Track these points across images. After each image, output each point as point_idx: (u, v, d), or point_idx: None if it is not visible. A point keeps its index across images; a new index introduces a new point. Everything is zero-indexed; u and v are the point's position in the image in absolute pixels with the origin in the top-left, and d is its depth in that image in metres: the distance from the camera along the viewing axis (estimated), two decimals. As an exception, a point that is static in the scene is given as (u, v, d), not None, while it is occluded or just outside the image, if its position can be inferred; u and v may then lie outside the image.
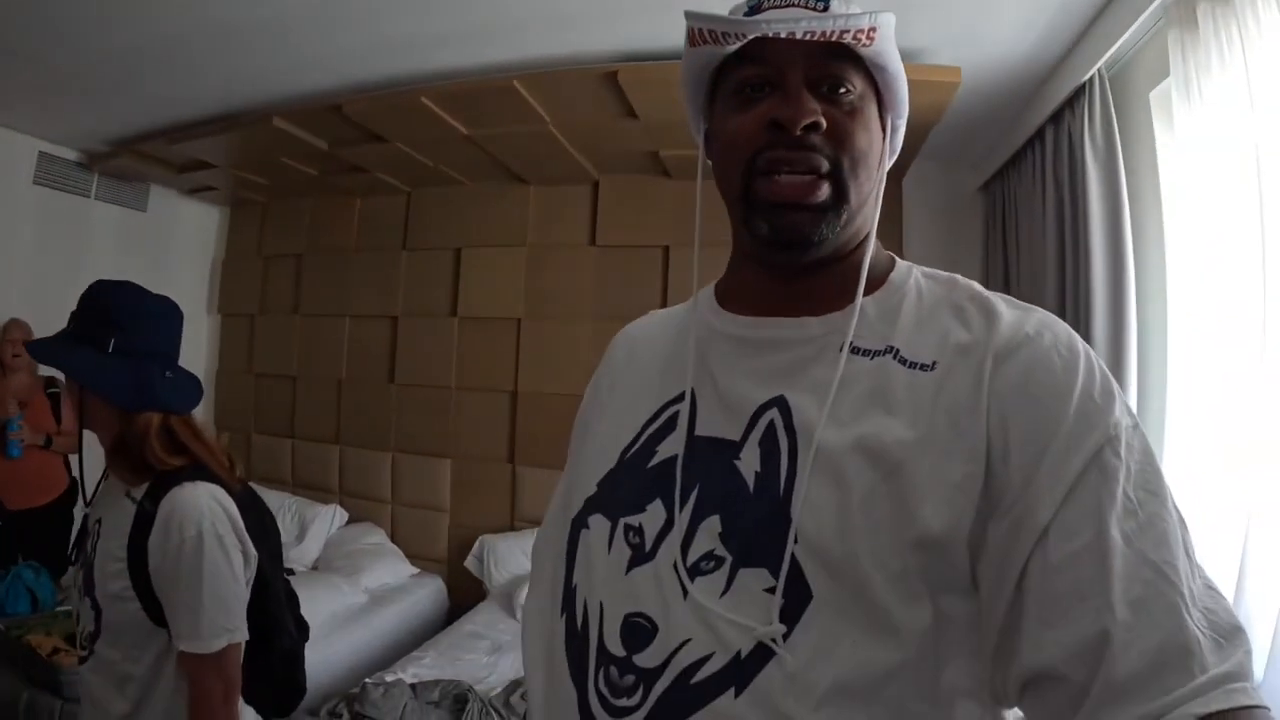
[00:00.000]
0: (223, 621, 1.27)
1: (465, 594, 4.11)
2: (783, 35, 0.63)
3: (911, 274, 0.73)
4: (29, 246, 4.25)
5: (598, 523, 0.73)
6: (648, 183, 3.99)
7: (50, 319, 4.02)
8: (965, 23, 2.43)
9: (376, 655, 3.46)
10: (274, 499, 4.57)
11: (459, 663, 3.06)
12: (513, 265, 4.32)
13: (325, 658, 3.06)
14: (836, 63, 0.67)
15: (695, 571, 0.64)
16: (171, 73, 3.19)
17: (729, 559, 0.63)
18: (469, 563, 4.06)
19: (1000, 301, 0.67)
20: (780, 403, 0.67)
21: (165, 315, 1.42)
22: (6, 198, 4.13)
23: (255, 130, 3.61)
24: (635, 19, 2.55)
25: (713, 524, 0.65)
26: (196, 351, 5.24)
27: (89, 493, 1.43)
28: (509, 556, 3.94)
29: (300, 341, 4.98)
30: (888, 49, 0.68)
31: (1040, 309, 0.66)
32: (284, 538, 4.24)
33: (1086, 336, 2.29)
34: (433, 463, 4.44)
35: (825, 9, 0.66)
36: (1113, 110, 2.37)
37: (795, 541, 0.61)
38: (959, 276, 0.72)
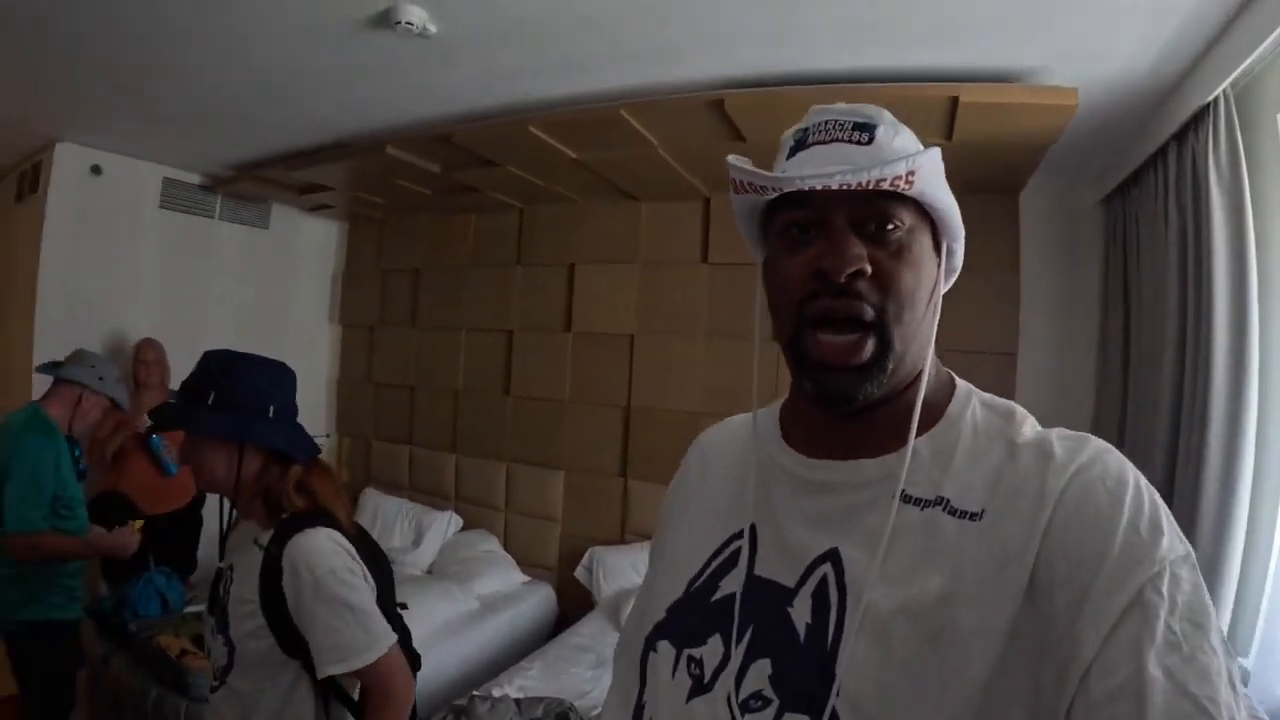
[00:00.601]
0: (374, 630, 1.41)
1: (574, 602, 4.17)
2: (818, 188, 0.64)
3: (970, 404, 0.73)
4: (158, 268, 4.52)
5: (665, 649, 0.79)
6: (760, 200, 3.89)
7: (180, 337, 4.29)
8: (1083, 41, 2.26)
9: (487, 660, 3.56)
10: (392, 504, 4.80)
11: (563, 676, 3.10)
12: (625, 281, 4.30)
13: (437, 665, 3.17)
14: (881, 201, 0.67)
15: (745, 708, 0.68)
16: (286, 108, 3.32)
17: (776, 702, 0.67)
18: (578, 573, 4.10)
19: (1055, 439, 0.66)
20: (834, 556, 0.69)
21: (292, 379, 1.58)
22: (135, 223, 4.41)
23: (370, 157, 3.71)
24: (739, 48, 2.50)
25: (763, 666, 0.69)
26: (319, 360, 5.51)
27: (222, 548, 1.57)
28: (618, 570, 3.97)
29: (418, 353, 5.13)
30: (931, 188, 0.67)
31: (1096, 439, 0.65)
32: (401, 542, 4.48)
33: (1206, 361, 2.20)
34: (546, 473, 4.50)
35: (870, 140, 0.67)
36: (1238, 133, 2.19)
37: (837, 695, 0.63)
38: (1017, 407, 0.72)
